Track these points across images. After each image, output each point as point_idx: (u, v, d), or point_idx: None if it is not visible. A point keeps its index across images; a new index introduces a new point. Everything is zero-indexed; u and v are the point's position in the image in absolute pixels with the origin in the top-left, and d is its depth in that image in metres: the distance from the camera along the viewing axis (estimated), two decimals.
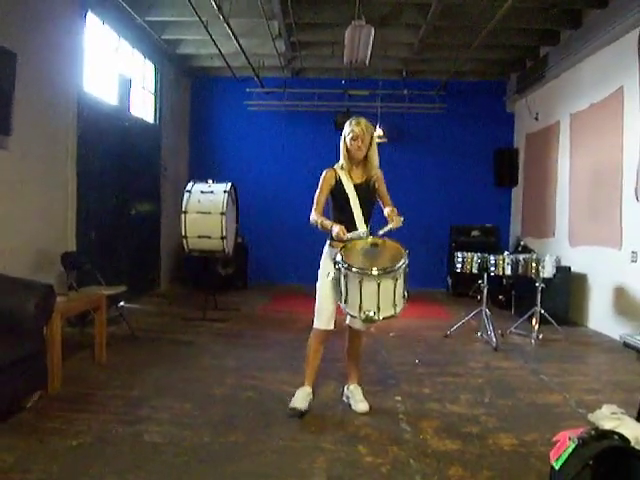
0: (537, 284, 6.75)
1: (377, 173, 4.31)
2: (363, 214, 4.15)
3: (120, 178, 8.33)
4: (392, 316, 3.74)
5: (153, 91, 9.99)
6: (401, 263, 3.74)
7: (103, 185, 7.81)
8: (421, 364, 5.72)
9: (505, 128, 11.23)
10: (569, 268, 7.90)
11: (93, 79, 7.55)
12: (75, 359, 5.39)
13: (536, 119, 9.84)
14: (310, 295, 4.39)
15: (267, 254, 10.79)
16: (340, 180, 4.18)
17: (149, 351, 5.96)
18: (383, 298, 3.64)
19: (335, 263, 3.85)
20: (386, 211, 4.27)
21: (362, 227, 4.07)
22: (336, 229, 3.91)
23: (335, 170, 4.24)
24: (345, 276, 3.72)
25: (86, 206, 7.21)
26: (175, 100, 10.79)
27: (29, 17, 5.88)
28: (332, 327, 4.17)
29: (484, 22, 7.37)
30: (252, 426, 3.94)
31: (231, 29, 7.54)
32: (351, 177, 4.22)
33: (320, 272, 4.21)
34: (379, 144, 10.93)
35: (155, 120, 10.01)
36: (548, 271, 6.65)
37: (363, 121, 4.29)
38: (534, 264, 6.65)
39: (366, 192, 4.22)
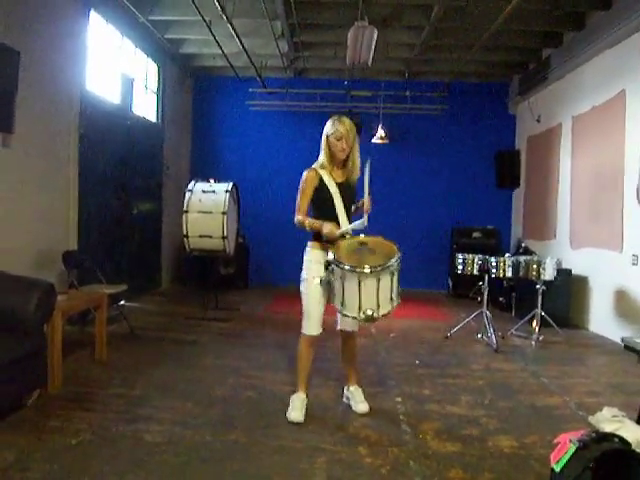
0: (538, 286, 6.75)
1: (358, 173, 4.30)
2: (346, 214, 4.12)
3: (122, 177, 8.33)
4: (390, 312, 3.70)
5: (156, 90, 10.00)
6: (397, 257, 3.70)
7: (105, 184, 7.81)
8: (421, 365, 5.72)
9: (507, 130, 11.23)
10: (570, 270, 7.89)
11: (96, 78, 7.55)
12: (76, 358, 5.39)
13: (538, 121, 9.83)
14: None
15: (268, 254, 10.78)
16: (322, 180, 4.11)
17: (150, 350, 5.96)
18: (382, 295, 3.61)
19: (327, 265, 3.78)
20: (362, 202, 4.28)
21: (346, 226, 4.03)
22: (327, 227, 3.87)
23: (316, 170, 4.15)
24: (342, 277, 3.64)
25: (88, 205, 7.21)
26: (177, 100, 10.80)
27: (32, 15, 5.88)
28: (321, 330, 4.15)
29: (487, 24, 7.37)
30: (252, 426, 3.94)
31: (234, 29, 7.54)
32: (332, 177, 4.15)
33: (305, 276, 4.11)
34: (381, 145, 10.99)
35: (157, 119, 10.01)
36: (549, 273, 6.64)
37: (347, 120, 4.14)
38: (535, 266, 6.64)
39: (348, 192, 4.20)
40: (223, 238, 7.39)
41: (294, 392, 4.23)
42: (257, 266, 10.68)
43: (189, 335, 6.69)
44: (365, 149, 11.31)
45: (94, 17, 7.40)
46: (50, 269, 6.24)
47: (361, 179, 4.25)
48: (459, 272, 7.01)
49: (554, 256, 7.26)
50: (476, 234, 10.62)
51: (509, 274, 6.74)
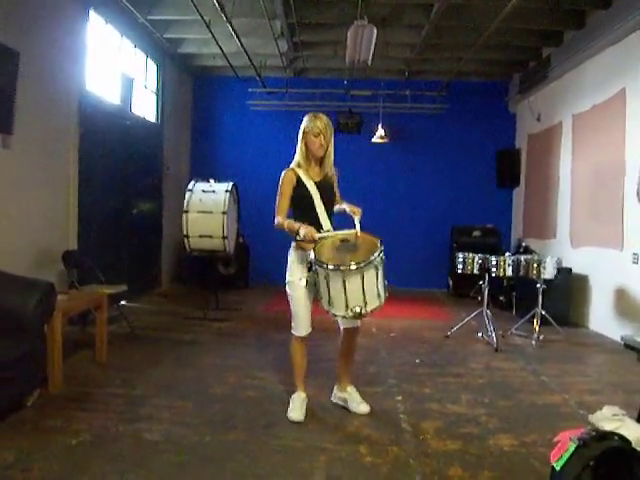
0: (538, 285, 6.74)
1: (333, 170, 4.21)
2: (326, 213, 4.05)
3: (122, 177, 8.33)
4: (378, 306, 3.65)
5: (155, 90, 10.00)
6: (379, 251, 3.61)
7: (105, 184, 7.81)
8: (422, 364, 5.72)
9: (507, 129, 11.23)
10: (570, 269, 7.89)
11: (95, 78, 7.55)
12: (76, 358, 5.40)
13: (538, 120, 9.83)
14: None
15: (268, 254, 10.74)
16: (300, 179, 4.06)
17: (150, 350, 5.97)
18: (368, 291, 3.55)
19: (310, 266, 3.76)
20: (337, 208, 4.17)
21: (327, 226, 3.98)
22: (304, 230, 3.77)
23: (293, 169, 4.10)
24: (326, 276, 3.60)
25: (88, 205, 7.21)
26: (177, 99, 10.79)
27: (32, 16, 5.88)
28: (310, 330, 4.14)
29: (487, 22, 7.36)
30: (252, 425, 3.94)
31: (233, 29, 7.53)
32: (310, 175, 4.10)
33: (289, 278, 4.09)
34: (381, 144, 10.98)
35: (157, 119, 10.01)
36: (549, 272, 6.64)
37: (324, 117, 4.06)
38: (535, 265, 6.64)
39: (327, 190, 4.11)
40: (223, 238, 7.39)
41: (294, 392, 4.23)
42: (257, 266, 10.68)
43: (189, 335, 6.70)
44: (365, 148, 11.35)
45: (93, 17, 7.40)
46: (50, 269, 6.24)
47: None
48: (459, 271, 7.01)
49: (554, 255, 7.26)
50: (476, 233, 10.61)
51: (509, 273, 6.74)
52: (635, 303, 6.66)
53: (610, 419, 2.80)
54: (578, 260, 8.06)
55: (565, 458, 2.58)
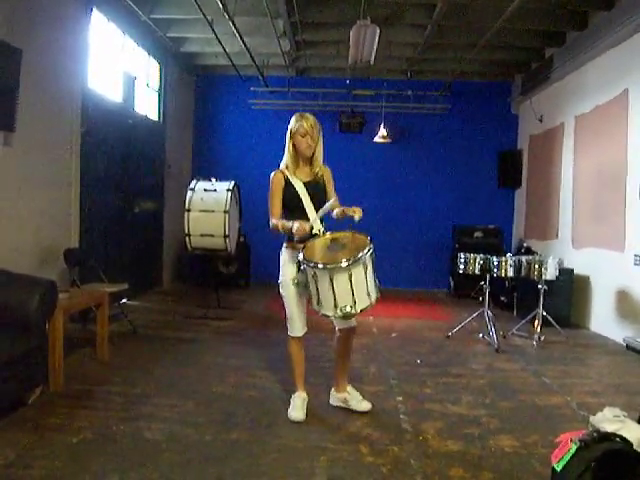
0: (539, 286, 6.74)
1: (323, 169, 4.15)
2: (317, 213, 3.99)
3: (124, 175, 8.33)
4: (369, 306, 3.61)
5: (157, 89, 10.00)
6: (368, 250, 3.57)
7: (106, 182, 7.81)
8: (423, 365, 5.71)
9: (509, 129, 11.23)
10: (572, 270, 7.88)
11: (98, 76, 7.55)
12: (77, 356, 5.40)
13: (540, 121, 9.82)
14: None
15: (270, 253, 10.73)
16: (289, 180, 4.04)
17: (151, 348, 5.97)
18: (357, 290, 3.51)
19: (299, 266, 3.75)
20: (336, 211, 4.03)
21: (317, 226, 3.94)
22: (295, 225, 3.77)
23: (282, 171, 4.08)
24: (314, 276, 3.59)
25: (89, 203, 7.22)
26: (179, 98, 10.80)
27: (34, 14, 5.88)
28: (306, 330, 4.14)
29: (489, 22, 7.37)
30: (254, 425, 3.94)
31: (236, 27, 7.53)
32: (298, 176, 4.07)
33: (282, 278, 4.08)
34: (383, 144, 10.98)
35: (159, 118, 10.02)
36: (551, 273, 6.63)
37: (311, 117, 4.02)
38: (537, 266, 6.63)
39: (316, 190, 4.07)
40: (225, 237, 7.39)
41: (295, 391, 4.23)
42: (258, 265, 10.67)
43: (190, 334, 6.70)
44: (367, 148, 11.36)
45: (96, 15, 7.40)
46: (52, 267, 6.24)
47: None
48: (461, 271, 7.01)
49: (556, 256, 7.25)
50: (478, 234, 10.60)
51: (511, 274, 6.73)
52: (637, 305, 6.65)
53: (611, 420, 2.80)
54: (580, 261, 8.06)
55: (566, 459, 2.59)
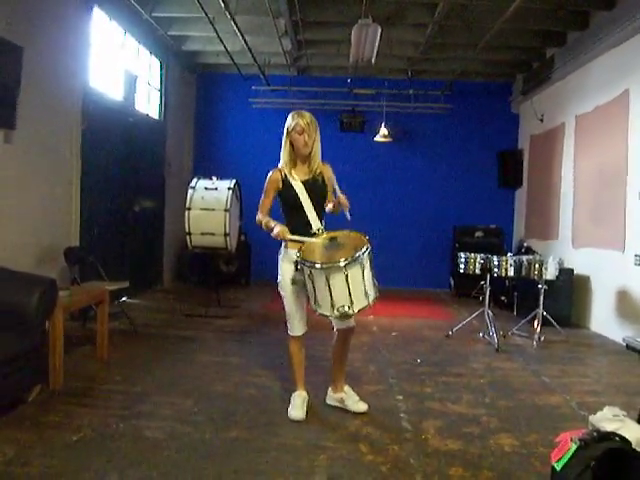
0: (540, 286, 6.73)
1: (322, 167, 4.10)
2: (316, 212, 3.99)
3: (124, 174, 8.34)
4: (366, 306, 3.59)
5: (159, 87, 10.01)
6: (364, 249, 3.54)
7: (107, 180, 7.82)
8: (423, 364, 5.71)
9: (510, 129, 11.23)
10: (572, 270, 7.88)
11: (99, 74, 7.56)
12: (77, 354, 5.40)
13: (541, 121, 9.82)
14: None
15: (270, 252, 10.73)
16: (287, 179, 4.00)
17: (151, 347, 5.97)
18: (354, 290, 3.50)
19: (296, 265, 3.74)
20: (327, 209, 4.07)
21: (316, 225, 3.93)
22: (276, 230, 3.77)
23: (280, 170, 4.04)
24: (310, 275, 3.59)
25: (90, 201, 7.22)
26: (180, 97, 10.80)
27: (36, 12, 5.88)
28: (306, 329, 4.14)
29: (491, 22, 7.37)
30: (253, 423, 3.94)
31: (237, 26, 7.54)
32: (297, 174, 4.03)
33: (280, 278, 4.07)
34: (384, 144, 10.96)
35: (160, 116, 10.02)
36: (551, 273, 6.63)
37: (307, 114, 3.97)
38: (537, 266, 6.63)
39: (315, 188, 4.03)
40: (225, 235, 7.39)
41: (295, 390, 4.23)
42: (259, 263, 10.66)
43: (190, 332, 6.70)
44: (368, 148, 11.35)
45: (97, 13, 7.41)
46: (52, 265, 6.25)
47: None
48: (461, 271, 7.01)
49: (556, 256, 7.25)
50: (478, 233, 10.61)
51: (511, 273, 6.73)
52: (637, 305, 6.65)
53: (611, 420, 2.80)
54: (580, 261, 8.06)
55: (566, 458, 2.59)
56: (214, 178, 7.81)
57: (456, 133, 11.25)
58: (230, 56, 9.23)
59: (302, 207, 3.97)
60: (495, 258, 6.75)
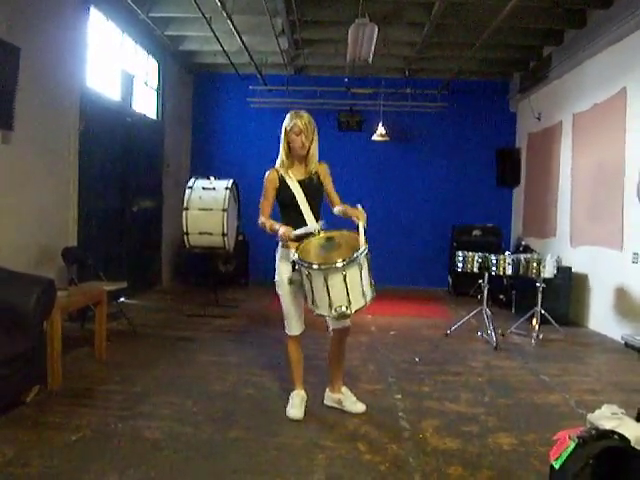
0: (538, 284, 6.74)
1: (318, 167, 4.11)
2: (312, 211, 3.99)
3: (122, 174, 8.33)
4: (364, 306, 3.59)
5: (156, 87, 9.99)
6: (362, 250, 3.53)
7: (105, 180, 7.81)
8: (421, 363, 5.72)
9: (507, 128, 11.23)
10: (570, 268, 7.89)
11: (96, 75, 7.55)
12: (75, 354, 5.40)
13: (538, 119, 9.83)
14: None
15: (268, 251, 10.71)
16: (283, 179, 4.01)
17: (150, 347, 5.97)
18: (352, 290, 3.48)
19: (293, 265, 3.73)
20: (337, 209, 4.07)
21: (313, 224, 3.92)
22: (281, 230, 3.77)
23: (277, 170, 4.05)
24: (307, 276, 3.57)
25: (88, 201, 7.21)
26: (178, 97, 10.79)
27: (33, 12, 5.87)
28: (303, 328, 4.14)
29: (488, 21, 7.36)
30: (252, 423, 3.94)
31: (234, 26, 7.53)
32: (294, 174, 4.04)
33: (277, 278, 4.07)
34: (381, 143, 10.96)
35: (158, 116, 10.01)
36: (549, 271, 6.64)
37: (306, 115, 3.97)
38: (535, 264, 6.64)
39: (311, 187, 4.04)
40: (223, 235, 7.39)
41: (293, 390, 4.23)
42: (257, 263, 10.65)
43: (189, 332, 6.70)
44: (366, 147, 11.34)
45: (94, 14, 7.40)
46: (50, 265, 6.24)
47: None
48: (459, 270, 7.01)
49: (554, 254, 7.25)
50: (476, 232, 10.60)
51: (509, 272, 6.73)
52: (635, 302, 6.66)
53: (609, 418, 2.80)
54: (578, 259, 8.07)
55: (564, 456, 2.59)
56: (212, 178, 7.81)
57: (453, 132, 11.25)
58: (227, 56, 9.22)
59: (298, 207, 3.98)
60: (493, 257, 6.75)
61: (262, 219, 4.01)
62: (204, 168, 9.99)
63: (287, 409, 4.10)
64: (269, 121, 11.08)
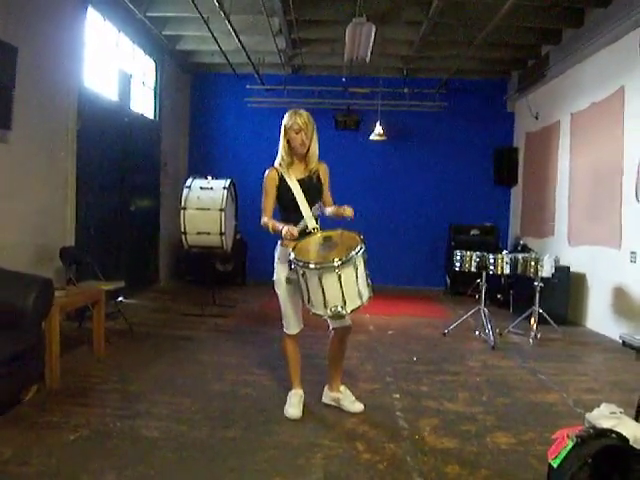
0: (536, 283, 6.74)
1: (318, 165, 4.12)
2: (311, 210, 3.98)
3: (120, 174, 8.32)
4: (360, 306, 3.58)
5: (153, 87, 9.98)
6: (358, 249, 3.53)
7: (103, 180, 7.80)
8: (419, 362, 5.72)
9: (505, 127, 11.23)
10: (568, 268, 7.89)
11: (94, 74, 7.54)
12: (73, 354, 5.39)
13: (536, 118, 9.84)
14: None
15: (266, 251, 10.71)
16: (283, 177, 4.01)
17: (148, 346, 5.96)
18: (347, 290, 3.48)
19: (290, 264, 3.73)
20: (329, 210, 4.08)
21: (312, 224, 3.92)
22: (285, 230, 3.76)
23: (276, 168, 4.05)
24: (303, 275, 3.58)
25: (85, 201, 7.20)
26: (175, 96, 10.78)
27: (30, 12, 5.86)
28: (302, 327, 4.14)
29: (486, 20, 7.36)
30: (250, 422, 3.94)
31: (232, 25, 7.53)
32: (293, 173, 4.04)
33: (275, 276, 4.08)
34: (379, 142, 10.95)
35: (155, 116, 10.00)
36: (547, 270, 6.64)
37: (305, 113, 3.97)
38: (533, 263, 6.64)
39: (310, 186, 4.04)
40: (221, 235, 7.39)
41: (291, 389, 4.23)
42: (255, 262, 10.63)
43: (187, 332, 6.69)
44: (363, 146, 11.32)
45: (91, 13, 7.38)
46: (48, 265, 6.23)
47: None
48: (457, 269, 7.01)
49: (552, 253, 7.26)
50: (474, 231, 10.62)
51: (507, 271, 6.74)
52: (633, 302, 6.67)
53: (608, 417, 2.80)
54: (576, 258, 8.07)
55: (563, 455, 2.59)
56: (209, 177, 7.81)
57: (451, 131, 11.24)
58: (224, 55, 9.22)
59: (298, 206, 3.97)
60: (491, 256, 6.75)
61: (264, 219, 4.01)
62: (202, 168, 9.99)
63: (285, 408, 4.10)
64: (266, 121, 11.08)
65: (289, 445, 3.58)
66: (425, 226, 11.21)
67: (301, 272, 3.59)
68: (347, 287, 3.49)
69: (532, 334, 6.73)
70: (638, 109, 6.69)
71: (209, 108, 11.43)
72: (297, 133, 3.92)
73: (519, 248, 9.70)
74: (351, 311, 3.56)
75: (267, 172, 4.07)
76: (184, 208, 7.44)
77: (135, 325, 6.65)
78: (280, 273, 4.02)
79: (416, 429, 3.92)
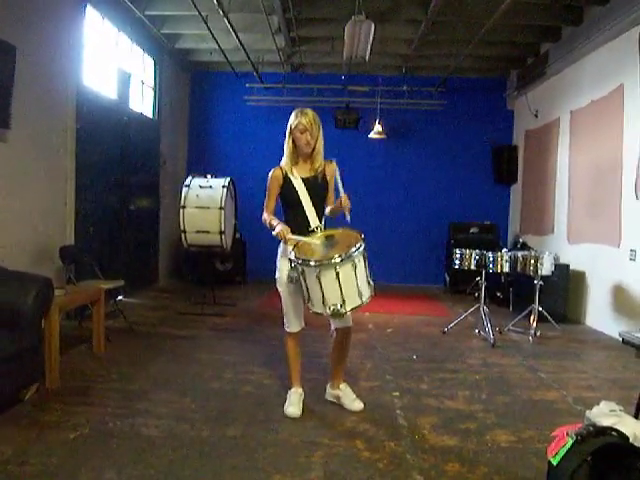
0: (535, 281, 6.74)
1: (326, 165, 4.11)
2: (316, 210, 3.99)
3: (119, 172, 8.31)
4: (360, 305, 3.57)
5: (152, 86, 9.98)
6: (357, 247, 3.51)
7: (102, 179, 7.79)
8: (419, 360, 5.72)
9: (505, 125, 11.23)
10: (568, 266, 7.90)
11: (92, 73, 7.53)
12: (73, 352, 5.40)
13: (536, 116, 9.83)
14: None
15: (266, 250, 10.70)
16: (287, 177, 4.01)
17: (147, 345, 5.96)
18: (346, 288, 3.47)
19: (291, 262, 3.72)
20: (327, 210, 4.09)
21: (315, 223, 3.94)
22: (277, 229, 3.76)
23: (282, 168, 4.05)
24: (302, 273, 3.58)
25: (85, 200, 7.20)
26: (174, 95, 10.77)
27: (28, 10, 5.86)
28: (303, 325, 4.15)
29: (485, 18, 7.36)
30: (250, 420, 3.94)
31: (230, 24, 7.52)
32: (298, 172, 4.03)
33: (278, 274, 4.07)
34: (378, 140, 10.95)
35: (154, 115, 9.99)
36: (546, 268, 6.64)
37: (311, 112, 3.97)
38: (532, 261, 6.64)
39: (315, 185, 4.03)
40: (220, 233, 7.39)
41: (291, 387, 4.23)
42: (254, 261, 10.64)
43: (187, 330, 6.69)
44: (363, 144, 11.32)
45: (90, 12, 7.37)
46: (47, 264, 6.23)
47: (335, 179, 4.07)
48: (456, 267, 7.01)
49: (552, 251, 7.26)
50: (474, 229, 10.62)
51: (506, 269, 6.73)
52: (632, 299, 6.67)
53: (607, 415, 2.80)
54: (575, 256, 8.07)
55: (562, 453, 2.59)
56: (209, 176, 7.81)
57: (451, 129, 11.24)
58: (223, 54, 9.22)
59: (302, 205, 3.98)
60: (490, 254, 6.75)
61: (264, 216, 4.03)
62: (201, 166, 9.99)
63: (285, 407, 4.10)
64: (266, 119, 11.10)
65: (289, 443, 3.58)
66: (424, 224, 11.21)
67: (300, 270, 3.59)
68: (346, 285, 3.48)
69: (532, 332, 6.73)
70: (637, 107, 6.69)
71: (208, 106, 11.43)
72: (302, 133, 3.92)
73: (519, 246, 9.69)
74: (351, 310, 3.56)
75: (272, 171, 4.07)
76: (183, 207, 7.43)
77: (135, 324, 6.65)
78: (282, 271, 4.02)
79: (416, 427, 3.92)
